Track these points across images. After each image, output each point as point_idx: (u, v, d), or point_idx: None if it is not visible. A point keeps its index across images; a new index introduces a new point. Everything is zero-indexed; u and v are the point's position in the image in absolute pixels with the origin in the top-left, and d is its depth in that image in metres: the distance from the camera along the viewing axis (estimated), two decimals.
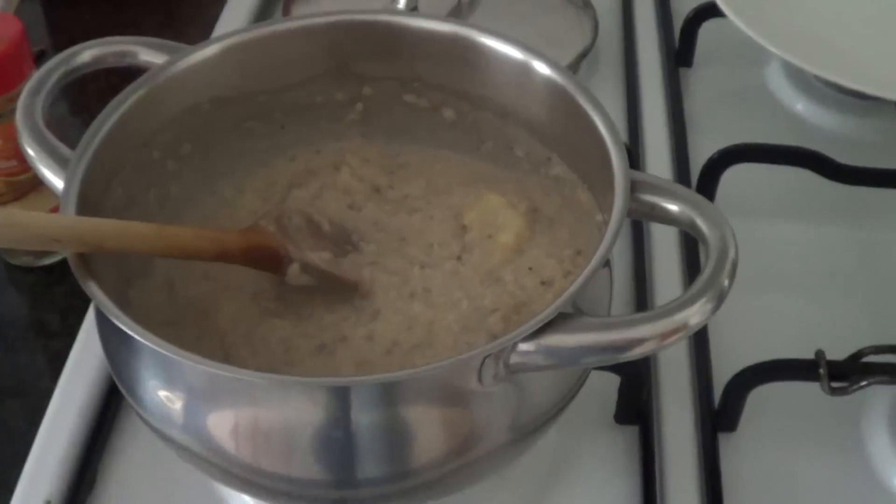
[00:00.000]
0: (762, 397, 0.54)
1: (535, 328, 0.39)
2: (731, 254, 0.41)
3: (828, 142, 0.66)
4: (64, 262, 0.64)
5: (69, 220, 0.42)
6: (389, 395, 0.40)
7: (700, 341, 0.57)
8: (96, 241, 0.41)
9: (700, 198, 0.44)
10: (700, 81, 0.76)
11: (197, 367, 0.39)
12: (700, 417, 0.54)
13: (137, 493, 0.53)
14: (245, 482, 0.44)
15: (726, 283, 0.41)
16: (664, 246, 0.62)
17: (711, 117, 0.73)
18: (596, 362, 0.40)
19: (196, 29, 0.78)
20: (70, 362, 0.57)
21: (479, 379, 0.40)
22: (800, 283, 0.62)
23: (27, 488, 0.52)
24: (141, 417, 0.45)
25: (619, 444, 0.54)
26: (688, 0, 0.78)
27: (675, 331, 0.39)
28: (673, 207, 0.44)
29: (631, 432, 0.55)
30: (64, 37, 0.80)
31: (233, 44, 0.51)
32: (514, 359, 0.39)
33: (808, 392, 0.53)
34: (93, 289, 0.40)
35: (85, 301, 0.61)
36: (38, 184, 0.61)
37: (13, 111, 0.57)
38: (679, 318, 0.39)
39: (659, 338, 0.39)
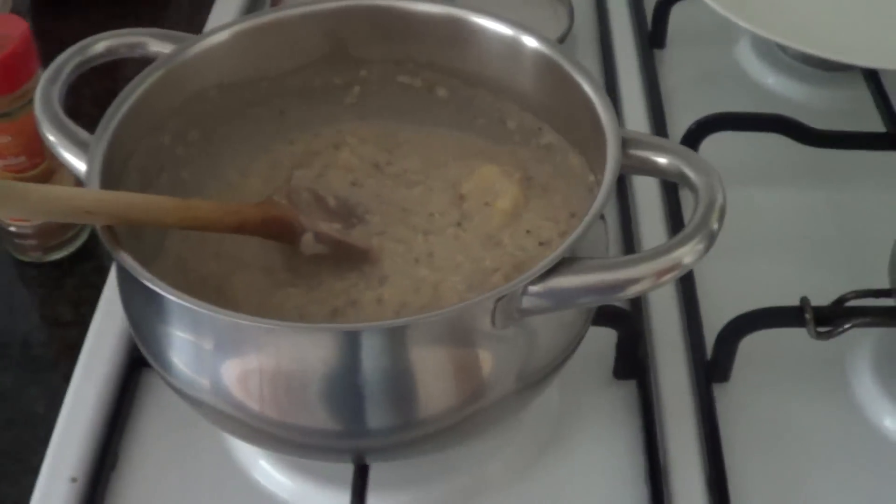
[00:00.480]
0: (751, 347, 0.56)
1: (543, 271, 0.41)
2: (720, 198, 0.44)
3: (798, 112, 0.69)
4: (72, 257, 0.67)
5: (101, 193, 0.44)
6: (409, 339, 0.42)
7: (689, 297, 0.60)
8: (125, 213, 0.44)
9: (686, 149, 0.47)
10: (673, 62, 0.79)
11: (226, 321, 0.42)
12: (694, 369, 0.57)
13: (159, 469, 0.55)
14: (270, 437, 0.46)
15: (716, 225, 0.43)
16: (648, 202, 0.66)
17: (686, 95, 0.76)
18: (599, 301, 0.43)
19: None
20: (86, 348, 0.59)
21: (493, 321, 0.42)
22: (778, 241, 0.65)
23: (52, 467, 0.54)
24: (167, 382, 0.47)
25: (619, 399, 0.57)
26: None
27: (670, 269, 0.42)
28: (662, 160, 0.47)
29: (629, 386, 0.57)
30: (54, 46, 0.82)
31: (238, 31, 0.53)
32: (524, 302, 0.42)
33: (794, 339, 0.56)
34: (123, 256, 0.43)
35: (96, 291, 0.63)
36: (45, 181, 0.64)
37: (22, 108, 0.60)
38: (674, 256, 0.42)
39: (655, 275, 0.42)
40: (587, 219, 0.43)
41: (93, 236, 0.68)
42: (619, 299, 0.43)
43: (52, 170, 0.63)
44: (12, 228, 0.65)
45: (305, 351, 0.43)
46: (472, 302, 0.42)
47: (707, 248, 0.43)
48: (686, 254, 0.43)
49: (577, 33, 0.80)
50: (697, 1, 0.74)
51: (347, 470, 0.52)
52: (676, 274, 0.43)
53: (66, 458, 0.54)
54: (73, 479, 0.53)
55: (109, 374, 0.57)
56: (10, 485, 0.55)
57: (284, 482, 0.53)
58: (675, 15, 0.79)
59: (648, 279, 0.42)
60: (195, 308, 0.41)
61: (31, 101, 0.60)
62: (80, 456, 0.54)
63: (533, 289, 0.42)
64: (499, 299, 0.41)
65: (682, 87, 0.77)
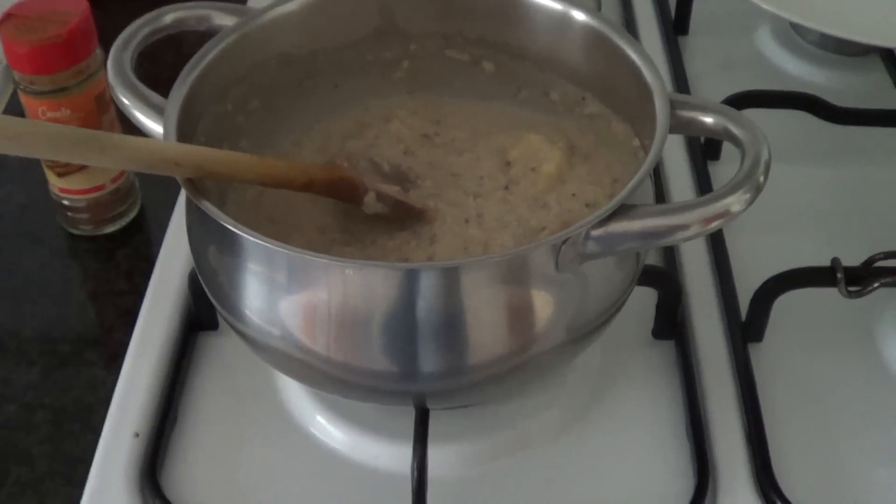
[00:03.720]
0: (782, 309, 0.59)
1: (605, 215, 0.44)
2: (765, 152, 0.47)
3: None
4: (125, 230, 0.69)
5: (190, 147, 0.47)
6: (475, 280, 0.45)
7: (721, 261, 0.63)
8: (211, 166, 0.46)
9: (730, 109, 0.49)
10: (696, 48, 0.82)
11: (299, 258, 0.44)
12: (729, 329, 0.60)
13: (217, 426, 0.57)
14: (331, 378, 0.48)
15: (762, 178, 0.46)
16: (678, 175, 0.69)
17: (710, 80, 0.79)
18: (653, 244, 0.45)
19: None
20: (143, 312, 0.61)
21: (556, 264, 0.45)
22: (802, 212, 0.68)
23: (115, 423, 0.56)
24: (236, 328, 0.50)
25: (658, 358, 0.59)
26: None
27: (719, 215, 0.45)
28: (708, 119, 0.49)
29: (667, 346, 0.60)
30: None
31: (299, 4, 0.56)
32: (586, 246, 0.45)
33: (821, 300, 0.59)
34: (206, 204, 0.45)
35: (147, 263, 0.65)
36: None
37: (80, 84, 0.62)
38: (724, 203, 0.45)
39: (705, 221, 0.45)
40: (644, 167, 0.46)
41: (142, 212, 0.70)
42: (672, 243, 0.46)
43: None
44: (65, 202, 0.67)
45: (375, 290, 0.45)
46: (540, 243, 0.45)
47: (753, 199, 0.46)
48: (734, 202, 0.45)
49: None
50: None
51: (403, 422, 0.54)
52: (724, 221, 0.45)
53: (129, 415, 0.56)
54: (136, 435, 0.55)
55: (166, 336, 0.60)
56: (73, 443, 0.57)
57: (341, 436, 0.55)
58: (697, 2, 0.82)
59: (698, 225, 0.45)
60: (271, 247, 0.44)
61: (88, 78, 0.63)
62: (141, 413, 0.56)
63: (595, 233, 0.44)
64: (563, 242, 0.44)
65: (705, 73, 0.79)
